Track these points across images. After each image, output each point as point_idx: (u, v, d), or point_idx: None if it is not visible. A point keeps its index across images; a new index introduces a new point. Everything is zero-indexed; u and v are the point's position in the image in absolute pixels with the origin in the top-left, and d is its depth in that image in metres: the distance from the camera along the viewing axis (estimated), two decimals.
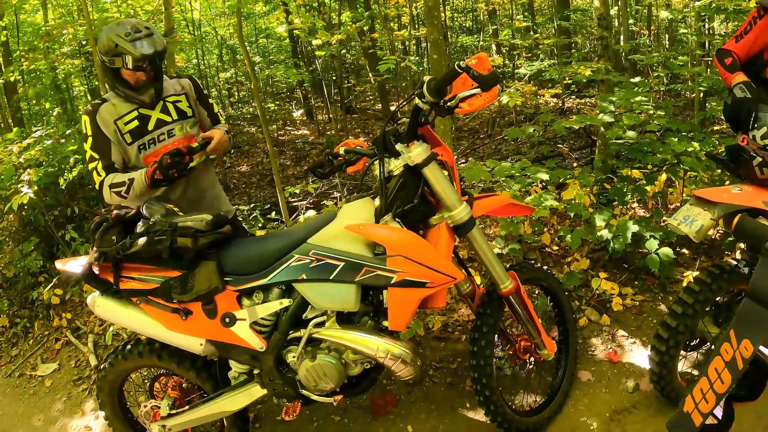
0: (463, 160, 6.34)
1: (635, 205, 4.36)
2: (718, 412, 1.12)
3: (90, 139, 2.59)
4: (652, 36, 12.85)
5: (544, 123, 4.68)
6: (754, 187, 2.64)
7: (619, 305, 3.40)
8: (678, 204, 4.03)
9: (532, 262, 3.02)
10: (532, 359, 2.75)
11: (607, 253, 3.61)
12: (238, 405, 2.43)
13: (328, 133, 9.95)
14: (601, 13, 4.80)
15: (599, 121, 3.56)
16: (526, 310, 2.52)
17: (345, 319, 2.23)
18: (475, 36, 12.04)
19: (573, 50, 9.55)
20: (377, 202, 2.23)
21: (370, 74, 9.52)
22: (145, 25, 2.56)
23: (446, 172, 2.27)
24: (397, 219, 2.16)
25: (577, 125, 3.60)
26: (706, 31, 7.64)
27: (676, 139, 3.67)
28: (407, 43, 11.82)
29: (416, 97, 2.12)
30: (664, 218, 3.52)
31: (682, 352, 2.64)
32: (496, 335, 2.59)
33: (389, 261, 2.06)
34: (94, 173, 2.59)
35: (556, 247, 3.86)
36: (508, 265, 2.53)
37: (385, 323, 2.19)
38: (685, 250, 3.82)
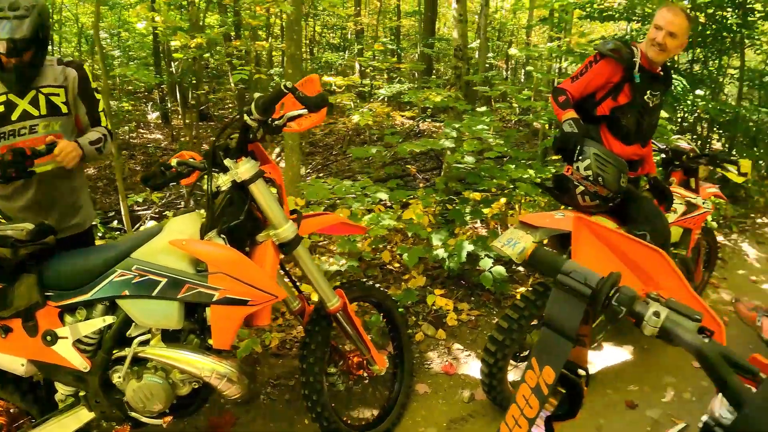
0: (314, 176, 6.37)
1: (477, 225, 4.61)
2: (541, 431, 1.18)
3: None
4: (509, 71, 13.75)
5: (389, 144, 4.82)
6: (575, 212, 2.90)
7: (454, 320, 3.56)
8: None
9: (366, 280, 3.07)
10: (366, 375, 2.79)
11: (446, 270, 3.77)
12: (67, 430, 2.25)
13: (182, 139, 9.57)
14: (458, 45, 5.05)
15: (440, 146, 3.72)
16: (354, 327, 2.55)
17: (171, 337, 2.14)
18: (341, 54, 12.20)
19: (433, 76, 9.96)
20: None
21: (231, 82, 9.31)
22: (26, 5, 2.27)
23: (274, 190, 2.26)
24: (222, 235, 2.12)
25: (419, 149, 3.74)
26: (557, 70, 8.29)
27: (513, 166, 3.93)
28: (272, 54, 11.71)
29: (245, 114, 2.11)
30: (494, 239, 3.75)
31: (512, 363, 2.82)
32: (329, 351, 2.61)
33: (211, 278, 2.01)
34: None
35: (397, 265, 3.97)
36: (338, 283, 2.56)
37: (211, 341, 2.13)
38: (520, 268, 4.08)
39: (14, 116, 2.42)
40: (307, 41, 14.83)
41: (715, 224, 6.49)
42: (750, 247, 6.52)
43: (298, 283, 2.71)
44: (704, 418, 0.87)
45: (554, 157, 6.17)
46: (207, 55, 9.35)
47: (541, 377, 1.06)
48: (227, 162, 2.16)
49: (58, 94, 2.52)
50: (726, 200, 6.04)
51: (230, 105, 12.38)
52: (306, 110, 2.01)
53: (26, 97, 2.43)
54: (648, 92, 3.06)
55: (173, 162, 2.34)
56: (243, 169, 2.15)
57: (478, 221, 4.50)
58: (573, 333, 0.98)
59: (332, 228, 2.60)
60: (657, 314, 0.92)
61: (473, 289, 3.85)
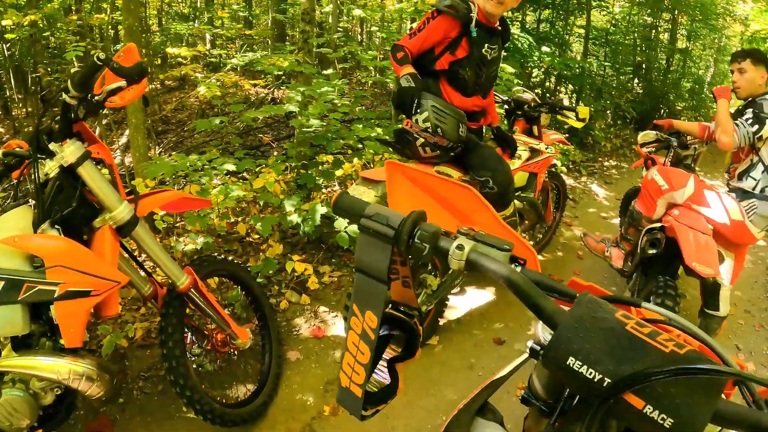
0: (168, 154, 6.12)
1: (336, 188, 4.64)
2: (385, 375, 1.18)
3: None
4: (363, 33, 13.74)
5: (234, 114, 4.72)
6: (418, 164, 3.00)
7: (316, 284, 3.61)
8: None
9: (217, 253, 3.01)
10: (234, 351, 2.78)
11: (303, 236, 3.79)
12: None
13: (26, 129, 8.79)
14: (306, 8, 4.96)
15: (283, 111, 3.69)
16: (209, 304, 2.54)
17: (22, 344, 2.02)
18: (190, 24, 11.64)
19: (287, 42, 9.78)
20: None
21: (75, 61, 8.63)
22: None
23: (106, 171, 2.17)
24: (56, 226, 2.02)
25: (262, 115, 3.70)
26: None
27: (361, 126, 3.97)
28: (119, 27, 10.94)
29: (63, 92, 2.00)
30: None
31: None
32: (188, 333, 2.57)
33: (49, 273, 1.92)
34: None
35: (256, 236, 3.95)
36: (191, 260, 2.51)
37: (63, 341, 2.03)
38: None
39: None
40: (155, 11, 13.99)
41: (565, 169, 6.97)
42: (599, 187, 7.12)
43: (150, 268, 2.63)
44: (530, 343, 0.90)
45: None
46: (47, 33, 8.59)
47: (365, 323, 1.05)
48: (53, 146, 2.05)
49: None
50: (571, 145, 6.52)
51: None
52: (124, 82, 1.94)
53: None
54: (486, 46, 3.15)
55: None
56: (68, 151, 2.05)
57: (336, 184, 4.54)
58: (383, 275, 0.97)
59: (174, 204, 2.53)
60: (461, 247, 0.91)
61: (333, 251, 3.91)
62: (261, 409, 2.81)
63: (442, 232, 0.98)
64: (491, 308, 3.70)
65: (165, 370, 2.44)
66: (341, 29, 11.06)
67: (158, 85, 9.05)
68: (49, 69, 10.67)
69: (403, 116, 3.23)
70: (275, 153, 5.43)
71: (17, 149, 2.19)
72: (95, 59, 1.90)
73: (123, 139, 6.48)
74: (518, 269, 0.92)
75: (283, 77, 6.68)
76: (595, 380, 0.73)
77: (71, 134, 2.10)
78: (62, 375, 2.01)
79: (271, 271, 3.52)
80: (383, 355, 1.17)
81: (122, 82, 1.95)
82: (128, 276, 2.27)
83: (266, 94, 8.40)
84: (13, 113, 10.20)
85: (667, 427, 0.69)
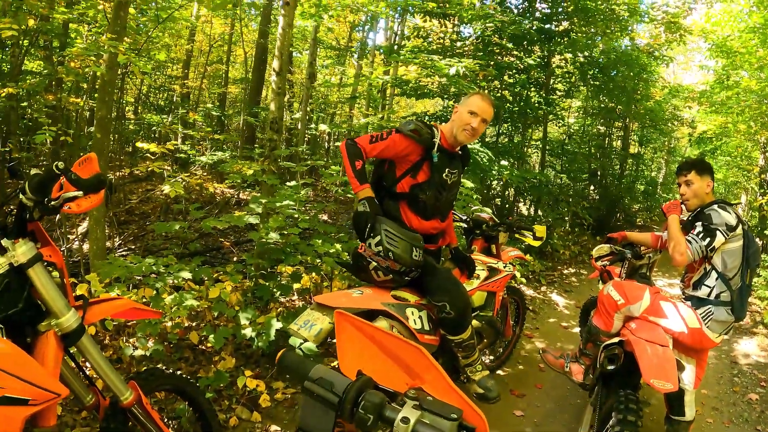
0: (125, 249, 5.99)
1: (295, 298, 4.57)
2: None
3: None
4: (330, 141, 14.15)
5: (193, 219, 4.69)
6: (374, 289, 2.97)
7: (268, 401, 3.44)
8: None
9: (165, 367, 2.86)
10: None
11: (259, 349, 3.67)
12: None
13: None
14: (275, 117, 5.08)
15: (243, 222, 3.67)
16: (152, 421, 2.38)
17: None
18: (164, 117, 11.82)
19: (256, 145, 9.96)
20: None
21: (47, 137, 8.55)
22: None
23: (57, 274, 2.09)
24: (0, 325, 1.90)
25: (222, 225, 3.65)
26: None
27: (320, 241, 3.95)
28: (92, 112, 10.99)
29: (20, 193, 1.96)
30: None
31: None
32: None
33: None
34: None
35: (209, 344, 3.80)
36: (134, 372, 2.38)
37: None
38: (335, 341, 4.07)
39: None
40: (134, 98, 14.18)
41: (524, 280, 7.03)
42: (558, 296, 7.18)
43: (92, 376, 2.48)
44: None
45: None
46: (25, 104, 8.60)
47: None
48: (4, 242, 1.96)
49: None
50: (528, 260, 6.61)
51: (45, 161, 11.33)
52: (80, 192, 1.91)
53: None
54: (446, 170, 3.20)
55: None
56: (20, 251, 1.96)
57: (296, 295, 4.47)
58: None
59: (125, 313, 2.43)
60: (406, 420, 0.89)
61: None
62: None
63: (388, 400, 0.96)
64: None
65: None
66: (309, 136, 11.38)
67: (126, 174, 9.03)
68: (19, 145, 10.58)
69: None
70: (234, 258, 5.36)
71: None
72: (54, 167, 1.88)
73: (83, 226, 6.34)
74: None
75: (249, 179, 6.74)
76: None
77: (25, 233, 2.03)
78: None
79: (222, 385, 3.35)
80: None
81: (78, 193, 1.93)
82: (69, 389, 2.14)
83: (231, 195, 8.42)
84: None
85: None
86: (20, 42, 7.30)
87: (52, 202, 1.96)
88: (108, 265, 3.25)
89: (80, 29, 8.47)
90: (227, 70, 15.43)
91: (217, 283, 3.65)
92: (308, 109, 9.07)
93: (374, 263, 2.84)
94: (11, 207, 2.12)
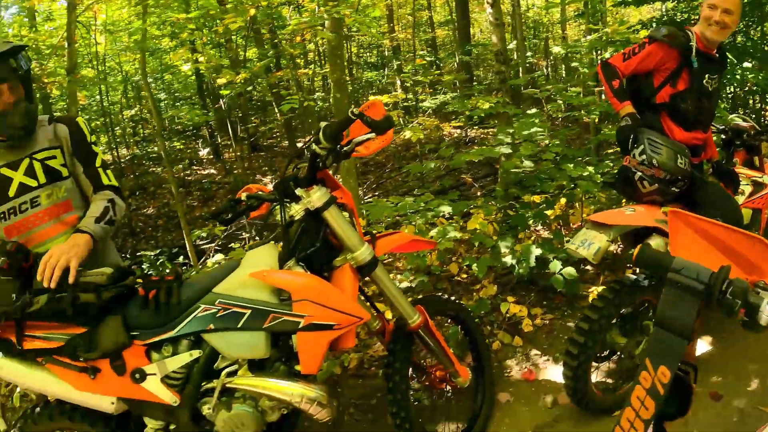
0: (370, 195, 6.42)
1: (539, 228, 4.55)
2: None
3: None
4: (549, 67, 13.58)
5: (443, 158, 4.82)
6: (645, 206, 2.85)
7: (530, 326, 3.51)
8: (580, 224, 4.25)
9: (440, 293, 3.09)
10: (449, 388, 2.78)
11: (515, 276, 3.73)
12: None
13: (236, 171, 9.80)
14: (498, 49, 5.01)
15: (497, 153, 3.71)
16: (436, 342, 2.55)
17: (258, 366, 2.17)
18: (380, 71, 12.32)
19: (474, 83, 9.94)
20: (281, 247, 2.21)
21: (277, 112, 9.51)
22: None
23: (347, 214, 2.29)
24: (300, 263, 2.15)
25: (477, 158, 3.73)
26: (598, 62, 8.09)
27: (572, 165, 3.88)
28: (314, 79, 11.91)
29: (313, 143, 2.15)
30: (568, 238, 3.70)
31: (594, 364, 2.77)
32: (410, 368, 2.61)
33: (295, 306, 2.04)
34: None
35: (465, 276, 3.95)
36: (413, 298, 2.56)
37: (298, 367, 2.15)
38: (588, 267, 4.01)
39: (11, 192, 2.26)
40: (345, 62, 15.01)
41: None
42: None
43: (377, 302, 2.73)
44: None
45: (608, 151, 6.06)
46: (250, 88, 9.56)
47: (656, 378, 1.04)
48: (299, 191, 2.20)
49: (54, 157, 2.34)
50: None
51: (278, 134, 12.61)
52: (373, 134, 2.04)
53: (20, 168, 2.26)
54: (706, 76, 3.02)
55: (243, 196, 2.40)
56: (315, 197, 2.18)
57: (539, 224, 4.45)
58: (687, 331, 0.96)
59: (403, 246, 2.62)
60: None
61: (544, 293, 3.80)
62: None
63: (751, 287, 0.97)
64: (710, 359, 3.33)
65: (388, 402, 2.48)
66: (528, 65, 11.04)
67: None
68: (257, 120, 11.89)
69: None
70: (478, 193, 5.48)
71: (260, 193, 2.40)
72: (350, 113, 2.01)
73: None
74: None
75: (476, 117, 6.77)
76: None
77: (316, 181, 2.25)
78: (294, 398, 2.11)
79: (483, 312, 3.49)
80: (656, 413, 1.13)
81: (371, 134, 2.06)
82: (369, 313, 2.36)
83: (460, 135, 8.59)
84: (224, 157, 11.42)
85: None
86: (247, 32, 7.99)
87: (344, 148, 2.13)
88: (372, 206, 3.51)
89: (283, 11, 8.96)
90: (431, 15, 15.52)
91: (466, 216, 3.77)
92: (521, 37, 8.79)
93: (639, 173, 2.74)
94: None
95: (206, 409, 2.17)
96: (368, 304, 2.62)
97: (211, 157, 12.08)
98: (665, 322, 1.02)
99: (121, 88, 13.26)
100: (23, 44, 2.33)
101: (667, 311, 1.01)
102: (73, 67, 4.86)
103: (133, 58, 12.84)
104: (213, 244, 5.91)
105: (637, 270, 2.98)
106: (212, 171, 11.04)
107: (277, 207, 2.22)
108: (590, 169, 3.83)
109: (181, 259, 5.54)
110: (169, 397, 2.15)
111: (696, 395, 2.92)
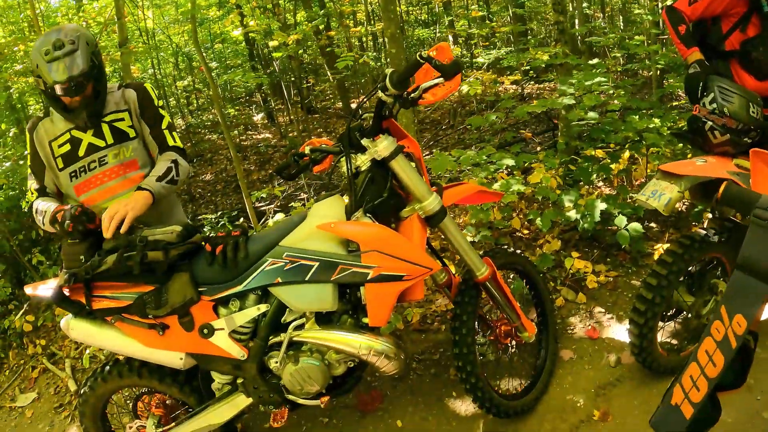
0: (428, 152, 6.37)
1: (601, 183, 4.44)
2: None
3: (29, 158, 2.50)
4: (606, 18, 13.02)
5: (506, 109, 4.72)
6: (717, 157, 2.74)
7: (594, 282, 3.46)
8: (643, 180, 4.13)
9: (505, 247, 3.07)
10: (514, 343, 2.78)
11: (578, 232, 3.66)
12: (224, 417, 2.39)
13: (291, 134, 9.83)
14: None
15: (560, 104, 3.61)
16: (503, 295, 2.54)
17: (324, 320, 2.20)
18: (431, 28, 12.07)
19: (529, 36, 9.63)
20: (347, 199, 2.21)
21: (329, 73, 9.46)
22: (70, 38, 2.24)
23: (414, 164, 2.26)
24: (368, 214, 2.15)
25: (539, 109, 3.64)
26: (660, 10, 7.73)
27: (636, 117, 3.75)
28: (364, 39, 11.77)
29: (380, 91, 2.11)
30: (632, 194, 3.59)
31: (660, 323, 2.71)
32: (476, 322, 2.61)
33: (364, 257, 2.05)
34: (29, 193, 2.51)
35: (526, 231, 3.90)
36: (481, 252, 2.55)
37: (365, 320, 2.17)
38: (653, 224, 3.91)
39: (81, 152, 2.42)
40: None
41: None
42: None
43: (442, 255, 2.72)
44: None
45: (674, 104, 5.82)
46: (301, 51, 9.52)
47: (730, 327, 0.97)
48: (364, 142, 2.18)
49: (122, 119, 2.48)
50: None
51: (330, 96, 12.57)
52: (442, 78, 1.99)
53: (89, 130, 2.43)
54: None
55: (306, 150, 2.40)
56: (382, 146, 2.16)
57: (601, 180, 4.35)
58: None
59: (470, 197, 2.59)
60: None
61: (608, 250, 3.72)
62: (532, 404, 2.78)
63: None
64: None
65: (454, 356, 2.50)
66: (584, 15, 10.58)
67: None
68: (312, 80, 11.88)
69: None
70: (538, 148, 5.38)
71: (323, 146, 2.39)
72: (417, 57, 1.97)
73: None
74: None
75: (532, 72, 6.60)
76: None
77: (382, 130, 2.22)
78: (362, 350, 2.14)
79: (546, 267, 3.45)
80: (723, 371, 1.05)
81: (440, 79, 2.01)
82: (438, 264, 2.35)
83: (516, 90, 8.39)
84: (278, 121, 11.47)
85: None
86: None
87: (412, 95, 2.08)
88: (436, 160, 3.48)
89: None
90: None
91: (526, 172, 3.71)
92: None
93: (710, 123, 2.62)
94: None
95: (273, 363, 2.22)
96: (434, 256, 2.62)
97: (266, 121, 12.15)
98: (748, 263, 0.95)
99: (173, 59, 13.46)
100: (96, 44, 2.40)
101: (753, 252, 0.94)
102: (124, 40, 4.94)
103: (181, 30, 13.01)
104: (272, 206, 6.00)
105: (706, 226, 2.89)
106: (267, 135, 11.11)
107: (342, 160, 2.21)
108: (656, 121, 3.69)
109: (241, 221, 5.63)
110: (236, 351, 2.21)
111: (758, 360, 2.82)
